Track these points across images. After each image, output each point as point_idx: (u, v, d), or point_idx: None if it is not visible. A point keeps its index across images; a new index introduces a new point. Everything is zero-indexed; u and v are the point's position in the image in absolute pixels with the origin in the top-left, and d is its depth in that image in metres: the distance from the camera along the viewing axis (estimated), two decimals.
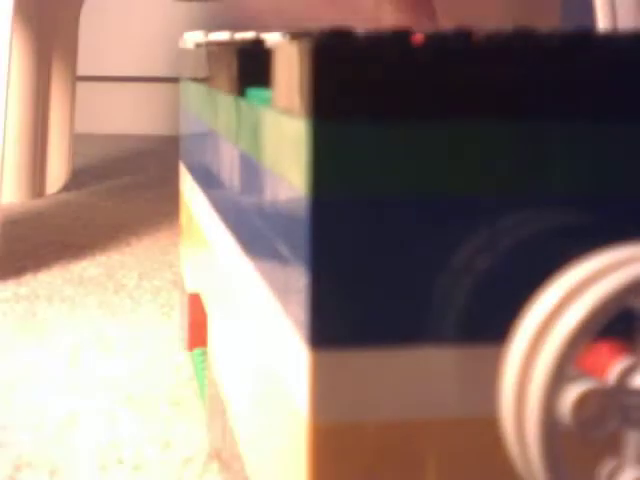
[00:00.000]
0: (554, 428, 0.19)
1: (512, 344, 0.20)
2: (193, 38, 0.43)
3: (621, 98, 0.21)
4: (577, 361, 0.19)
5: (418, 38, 0.21)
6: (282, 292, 0.23)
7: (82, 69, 1.14)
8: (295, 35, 0.22)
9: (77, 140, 1.08)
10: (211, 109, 0.37)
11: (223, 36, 0.41)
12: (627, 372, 0.19)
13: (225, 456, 0.33)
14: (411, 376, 0.21)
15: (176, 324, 0.54)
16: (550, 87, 0.21)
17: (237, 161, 0.30)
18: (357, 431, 0.21)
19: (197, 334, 0.44)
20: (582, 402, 0.19)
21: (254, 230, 0.27)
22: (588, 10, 0.62)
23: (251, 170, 0.27)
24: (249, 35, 0.39)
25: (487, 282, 0.21)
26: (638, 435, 0.19)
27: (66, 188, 0.97)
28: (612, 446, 0.20)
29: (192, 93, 0.44)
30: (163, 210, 0.86)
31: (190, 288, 0.46)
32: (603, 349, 0.20)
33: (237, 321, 0.30)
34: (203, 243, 0.40)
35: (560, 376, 0.19)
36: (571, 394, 0.19)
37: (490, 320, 0.21)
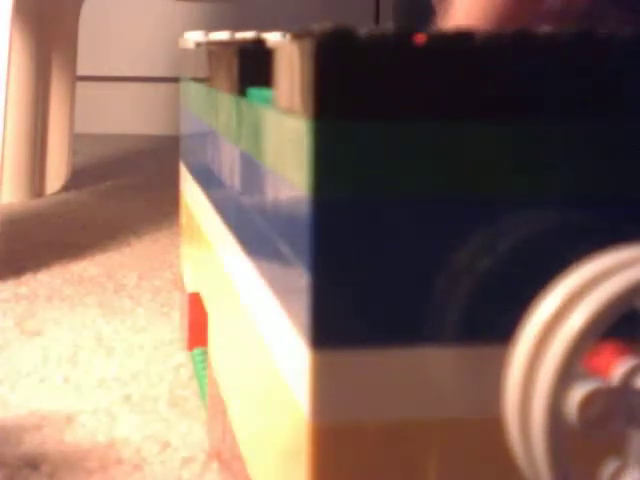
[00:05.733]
0: (560, 427, 0.19)
1: (517, 344, 0.20)
2: (193, 38, 0.43)
3: (621, 98, 0.21)
4: (583, 361, 0.19)
5: (419, 38, 0.21)
6: (283, 292, 0.23)
7: (82, 69, 1.14)
8: (296, 35, 0.22)
9: (77, 140, 1.08)
10: (212, 109, 0.37)
11: (223, 36, 0.41)
12: (633, 372, 0.19)
13: (225, 456, 0.33)
14: (411, 376, 0.21)
15: (176, 324, 0.54)
16: (550, 87, 0.21)
17: (238, 161, 0.30)
18: (357, 431, 0.21)
19: (197, 334, 0.44)
20: (588, 401, 0.19)
21: (255, 230, 0.27)
22: None
23: (252, 170, 0.27)
24: (249, 35, 0.39)
25: (489, 283, 0.21)
26: None
27: (66, 188, 0.97)
28: (615, 447, 0.20)
29: (192, 93, 0.44)
30: (163, 210, 0.86)
31: (190, 288, 0.46)
32: (608, 350, 0.20)
33: (237, 321, 0.30)
34: (203, 243, 0.40)
35: (566, 375, 0.19)
36: (577, 393, 0.19)
37: (491, 321, 0.21)
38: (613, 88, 0.21)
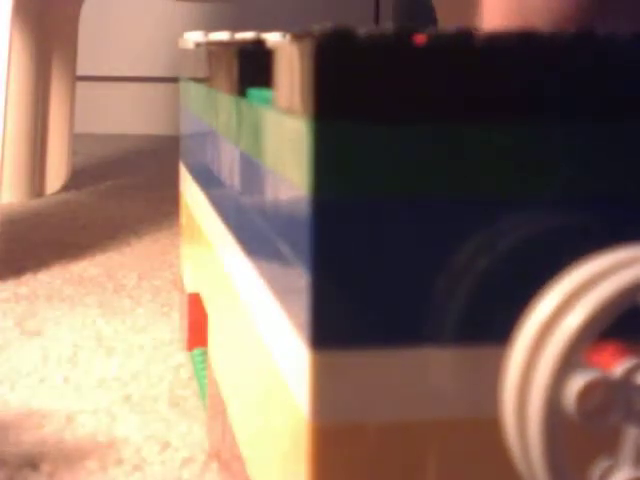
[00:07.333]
0: (557, 419, 0.19)
1: (516, 341, 0.20)
2: (193, 38, 0.43)
3: (621, 98, 0.21)
4: (584, 358, 0.19)
5: (419, 38, 0.21)
6: (282, 292, 0.23)
7: (82, 69, 1.14)
8: (296, 35, 0.22)
9: (77, 140, 1.08)
10: (211, 109, 0.37)
11: (223, 36, 0.41)
12: (634, 369, 0.19)
13: (225, 456, 0.33)
14: (411, 376, 0.21)
15: (176, 324, 0.54)
16: (550, 87, 0.21)
17: (237, 161, 0.30)
18: (357, 431, 0.21)
19: (197, 334, 0.44)
20: (588, 391, 0.19)
21: (255, 230, 0.27)
22: None
23: (252, 170, 0.27)
24: (249, 35, 0.39)
25: (488, 283, 0.21)
26: (638, 432, 0.19)
27: (66, 188, 0.97)
28: (609, 444, 0.20)
29: (192, 93, 0.44)
30: (163, 210, 0.86)
31: (190, 288, 0.46)
32: (611, 349, 0.20)
33: (237, 321, 0.30)
34: (203, 243, 0.40)
35: (565, 369, 0.19)
36: (577, 383, 0.19)
37: (490, 320, 0.21)
38: (613, 88, 0.21)
